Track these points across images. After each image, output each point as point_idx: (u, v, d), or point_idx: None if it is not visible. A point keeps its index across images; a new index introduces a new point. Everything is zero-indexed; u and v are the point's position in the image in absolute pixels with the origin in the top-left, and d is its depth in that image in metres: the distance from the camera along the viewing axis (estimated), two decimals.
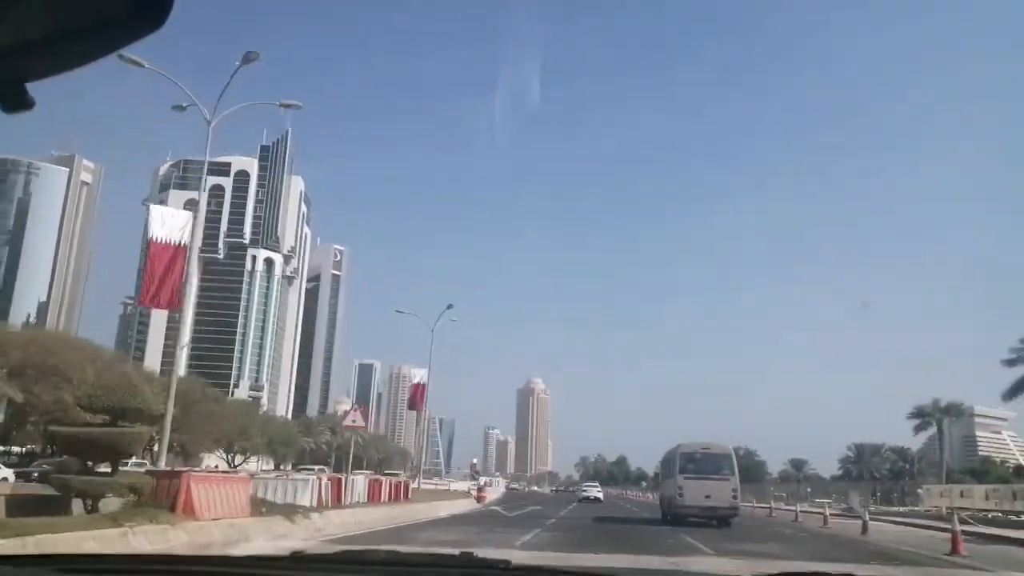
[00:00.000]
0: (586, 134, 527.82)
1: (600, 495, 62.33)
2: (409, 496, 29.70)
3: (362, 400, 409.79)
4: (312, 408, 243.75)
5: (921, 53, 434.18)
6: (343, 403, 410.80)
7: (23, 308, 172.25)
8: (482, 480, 73.78)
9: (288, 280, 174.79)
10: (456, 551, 2.88)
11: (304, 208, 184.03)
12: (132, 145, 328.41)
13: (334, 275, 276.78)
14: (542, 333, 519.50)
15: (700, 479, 26.41)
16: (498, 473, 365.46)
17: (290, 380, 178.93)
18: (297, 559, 2.85)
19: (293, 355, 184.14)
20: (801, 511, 37.73)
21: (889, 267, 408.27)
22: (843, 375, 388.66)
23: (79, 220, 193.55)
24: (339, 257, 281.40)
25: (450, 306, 47.90)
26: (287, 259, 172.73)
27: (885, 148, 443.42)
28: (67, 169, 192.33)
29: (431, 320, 49.82)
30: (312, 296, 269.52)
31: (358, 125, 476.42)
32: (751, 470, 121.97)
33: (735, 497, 26.59)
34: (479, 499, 40.65)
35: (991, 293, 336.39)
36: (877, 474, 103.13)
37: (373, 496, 24.99)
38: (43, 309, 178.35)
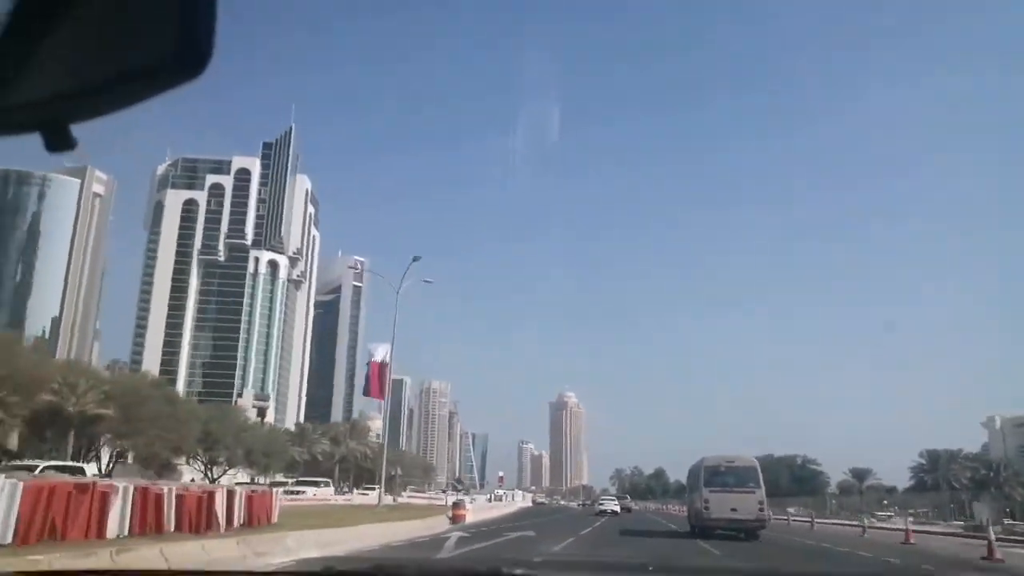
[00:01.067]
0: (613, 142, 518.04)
1: (617, 508, 62.31)
2: (272, 518, 17.76)
3: (394, 417, 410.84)
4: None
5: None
6: (375, 419, 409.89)
7: (37, 323, 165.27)
8: (466, 495, 64.06)
9: (295, 284, 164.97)
10: (484, 567, 2.89)
11: (312, 209, 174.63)
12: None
13: (355, 287, 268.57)
14: (575, 345, 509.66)
15: (725, 492, 26.48)
16: (533, 487, 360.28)
17: (300, 390, 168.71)
18: (329, 573, 2.89)
19: (303, 363, 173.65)
20: (871, 526, 36.93)
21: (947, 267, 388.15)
22: (902, 380, 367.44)
23: (92, 233, 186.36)
24: (360, 268, 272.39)
25: (416, 258, 36.63)
26: (293, 262, 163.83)
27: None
28: (79, 181, 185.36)
29: (402, 282, 38.46)
30: (332, 308, 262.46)
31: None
32: (808, 481, 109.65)
33: (762, 509, 26.50)
34: (455, 518, 28.96)
35: None
36: (956, 484, 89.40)
37: (143, 521, 12.98)
38: (56, 325, 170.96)
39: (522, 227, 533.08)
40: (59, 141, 1.28)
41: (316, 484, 66.05)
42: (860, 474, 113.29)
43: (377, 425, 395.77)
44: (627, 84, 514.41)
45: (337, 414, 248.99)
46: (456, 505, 30.08)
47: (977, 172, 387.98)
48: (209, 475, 72.98)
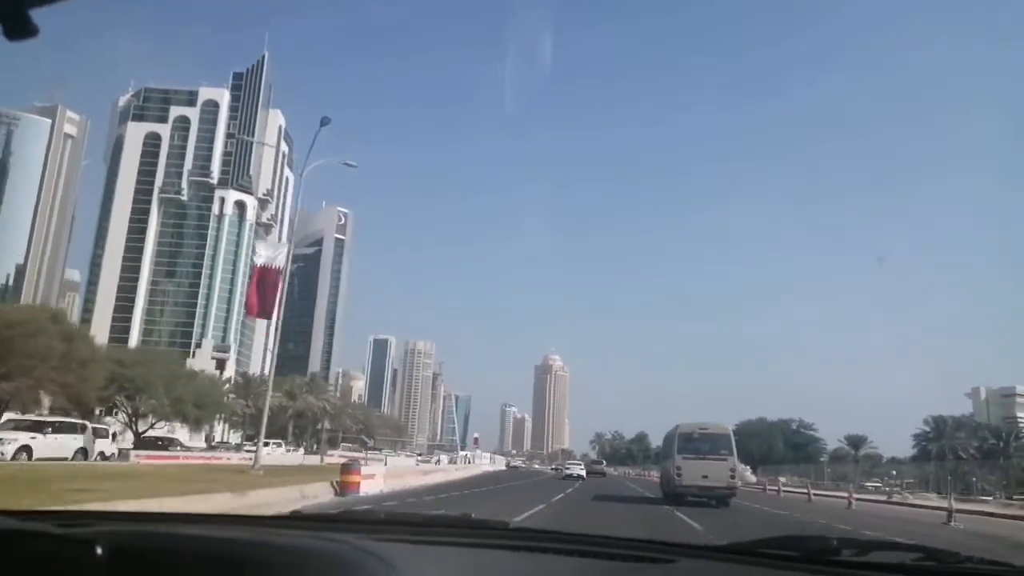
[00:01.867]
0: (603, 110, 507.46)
1: (583, 472, 63.13)
2: None
3: (378, 377, 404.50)
4: None
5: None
6: (358, 379, 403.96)
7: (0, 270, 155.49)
8: (444, 456, 56.83)
9: (265, 228, 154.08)
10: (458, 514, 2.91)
11: (285, 148, 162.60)
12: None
13: (337, 239, 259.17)
14: (563, 307, 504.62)
15: (698, 459, 26.40)
16: (514, 451, 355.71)
17: (266, 342, 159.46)
18: (299, 517, 2.85)
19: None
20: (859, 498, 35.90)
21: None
22: (896, 347, 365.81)
23: (62, 176, 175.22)
24: (343, 220, 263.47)
25: (326, 121, 27.33)
26: (263, 204, 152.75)
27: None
28: (50, 120, 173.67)
29: (311, 149, 29.56)
30: (314, 262, 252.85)
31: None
32: (803, 447, 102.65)
33: (733, 477, 26.63)
34: (344, 487, 20.44)
35: None
36: (963, 454, 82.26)
37: None
38: (21, 272, 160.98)
39: (507, 183, 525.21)
40: (18, 27, 1.20)
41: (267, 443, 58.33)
42: (855, 441, 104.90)
43: (360, 385, 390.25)
44: (615, 39, 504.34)
45: (314, 370, 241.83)
46: (347, 468, 21.43)
47: (973, 150, 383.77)
48: (133, 428, 64.93)
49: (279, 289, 27.23)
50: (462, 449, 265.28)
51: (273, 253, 27.79)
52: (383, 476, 25.33)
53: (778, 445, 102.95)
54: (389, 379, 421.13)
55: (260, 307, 27.11)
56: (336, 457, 61.91)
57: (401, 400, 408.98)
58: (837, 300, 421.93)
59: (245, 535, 2.05)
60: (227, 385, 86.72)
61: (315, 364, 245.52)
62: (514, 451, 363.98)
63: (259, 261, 27.07)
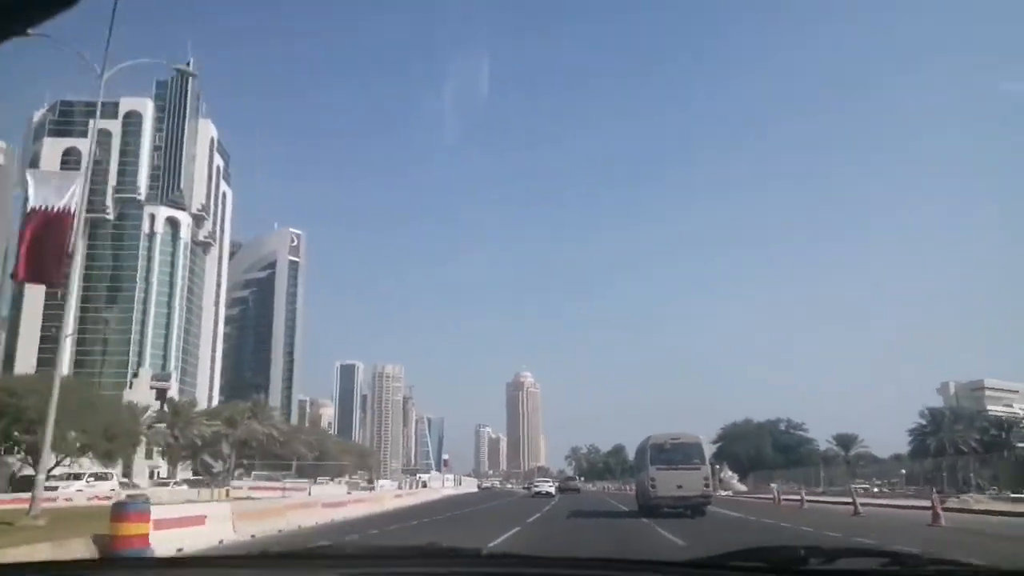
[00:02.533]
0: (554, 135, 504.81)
1: (552, 489, 62.55)
2: None
3: (347, 403, 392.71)
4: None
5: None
6: (327, 407, 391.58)
7: None
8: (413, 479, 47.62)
9: (203, 247, 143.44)
10: (424, 542, 2.85)
11: (220, 161, 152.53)
12: None
13: (291, 261, 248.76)
14: (532, 324, 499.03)
15: (671, 470, 26.34)
16: (491, 471, 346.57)
17: (212, 368, 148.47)
18: (266, 556, 2.85)
19: (215, 338, 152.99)
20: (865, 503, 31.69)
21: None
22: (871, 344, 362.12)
23: None
24: (296, 242, 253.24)
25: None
26: (198, 220, 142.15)
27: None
28: None
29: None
30: (267, 285, 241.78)
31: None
32: (794, 449, 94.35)
33: (707, 485, 26.81)
34: (115, 543, 11.51)
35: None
36: (964, 447, 75.55)
37: None
38: None
39: (471, 201, 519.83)
40: None
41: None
42: (845, 441, 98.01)
43: (329, 412, 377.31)
44: (568, 49, 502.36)
45: (275, 401, 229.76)
46: (119, 512, 12.22)
47: (936, 150, 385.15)
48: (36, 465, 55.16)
49: (68, 241, 17.99)
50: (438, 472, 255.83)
51: (54, 190, 18.23)
52: (232, 517, 16.35)
53: (767, 448, 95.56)
54: (359, 405, 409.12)
55: (34, 269, 17.97)
56: (245, 490, 52.34)
57: (372, 425, 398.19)
58: (810, 299, 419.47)
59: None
60: (149, 414, 76.42)
61: (275, 391, 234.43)
62: (490, 471, 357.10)
63: (33, 203, 17.82)
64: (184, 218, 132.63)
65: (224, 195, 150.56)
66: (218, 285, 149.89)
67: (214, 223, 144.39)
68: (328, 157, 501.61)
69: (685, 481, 25.74)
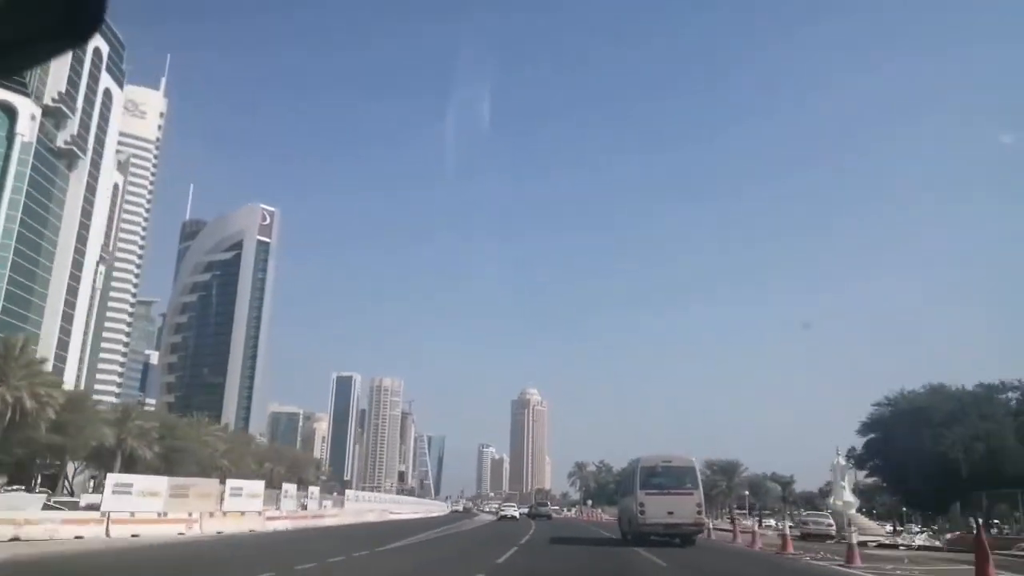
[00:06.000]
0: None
1: (516, 514, 62.89)
2: None
3: (342, 416, 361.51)
4: (228, 414, 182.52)
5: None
6: (322, 420, 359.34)
7: None
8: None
9: (63, 156, 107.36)
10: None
11: (105, 47, 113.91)
12: None
13: (260, 241, 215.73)
14: (539, 344, 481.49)
15: (662, 495, 24.88)
16: (492, 493, 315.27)
17: (86, 326, 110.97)
18: None
19: (80, 293, 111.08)
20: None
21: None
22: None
23: None
24: (268, 220, 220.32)
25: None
26: (53, 115, 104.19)
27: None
28: None
29: None
30: (232, 269, 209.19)
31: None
32: None
33: (700, 512, 25.32)
34: None
35: None
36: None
37: None
38: None
39: (478, 222, 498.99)
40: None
41: None
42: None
43: (324, 427, 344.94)
44: (574, 79, 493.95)
45: (231, 403, 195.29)
46: None
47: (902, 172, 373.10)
48: None
49: None
50: (436, 494, 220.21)
51: None
52: None
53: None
54: (356, 419, 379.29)
55: None
56: None
57: (368, 441, 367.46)
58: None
59: None
60: None
61: (232, 393, 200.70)
62: (492, 493, 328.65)
63: None
64: (26, 106, 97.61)
65: (109, 94, 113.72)
66: (87, 219, 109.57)
67: (87, 128, 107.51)
68: (335, 167, 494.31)
69: (677, 507, 24.26)
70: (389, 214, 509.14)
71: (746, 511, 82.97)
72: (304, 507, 37.65)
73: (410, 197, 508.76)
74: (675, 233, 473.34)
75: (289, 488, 41.89)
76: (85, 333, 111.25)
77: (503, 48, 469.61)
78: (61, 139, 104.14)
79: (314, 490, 40.61)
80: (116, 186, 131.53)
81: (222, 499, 24.26)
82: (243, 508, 24.87)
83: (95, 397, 79.75)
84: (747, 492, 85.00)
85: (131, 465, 60.43)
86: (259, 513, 25.96)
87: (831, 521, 34.93)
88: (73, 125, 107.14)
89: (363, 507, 46.68)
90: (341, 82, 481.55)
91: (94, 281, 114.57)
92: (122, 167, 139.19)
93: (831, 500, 45.34)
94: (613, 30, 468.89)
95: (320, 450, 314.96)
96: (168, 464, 62.74)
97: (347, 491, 48.17)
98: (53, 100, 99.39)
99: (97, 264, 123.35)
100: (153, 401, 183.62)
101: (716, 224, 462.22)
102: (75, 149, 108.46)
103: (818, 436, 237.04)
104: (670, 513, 24.15)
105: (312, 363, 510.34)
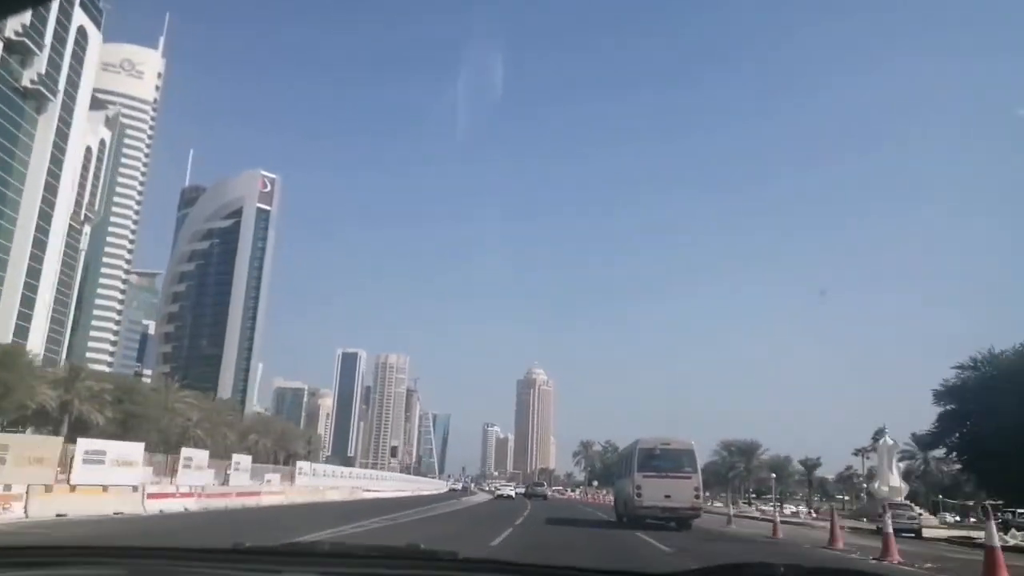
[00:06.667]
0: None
1: (512, 494, 64.88)
2: None
3: (347, 393, 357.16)
4: (225, 387, 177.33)
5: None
6: (326, 396, 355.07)
7: None
8: None
9: (34, 102, 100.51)
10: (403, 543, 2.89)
11: None
12: None
13: (260, 209, 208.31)
14: (547, 324, 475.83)
15: (660, 477, 24.65)
16: (496, 472, 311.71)
17: (80, 293, 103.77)
18: (241, 551, 2.76)
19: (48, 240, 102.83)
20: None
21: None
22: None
23: None
24: (269, 188, 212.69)
25: None
26: (16, 49, 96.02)
27: None
28: None
29: None
30: (230, 238, 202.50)
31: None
32: None
33: (697, 497, 24.93)
34: None
35: None
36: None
37: None
38: None
39: (483, 201, 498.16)
40: None
41: None
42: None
43: (328, 403, 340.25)
44: (585, 61, 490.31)
45: (227, 378, 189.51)
46: None
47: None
48: None
49: None
50: (440, 473, 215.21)
51: None
52: None
53: None
54: (360, 396, 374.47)
55: None
56: None
57: (372, 419, 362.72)
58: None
59: (182, 570, 2.13)
60: None
61: (229, 364, 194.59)
62: (496, 472, 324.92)
63: None
64: None
65: (84, 32, 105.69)
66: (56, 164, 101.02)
67: (59, 71, 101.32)
68: (346, 150, 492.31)
69: (675, 490, 24.06)
70: (396, 193, 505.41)
71: (770, 495, 76.37)
72: (226, 482, 30.95)
73: (420, 173, 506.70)
74: (685, 213, 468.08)
75: (242, 460, 35.32)
76: (68, 296, 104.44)
77: (511, 29, 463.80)
78: (27, 78, 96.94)
79: (244, 460, 33.63)
80: (103, 141, 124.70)
81: (71, 467, 17.54)
82: (107, 481, 18.12)
83: (91, 367, 73.29)
84: (773, 474, 77.99)
85: (80, 432, 53.99)
86: (135, 489, 19.14)
87: (914, 513, 28.41)
88: (40, 63, 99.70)
89: (323, 483, 40.04)
90: (346, 59, 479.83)
91: (70, 238, 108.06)
92: (111, 122, 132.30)
93: (876, 484, 37.26)
94: (618, 20, 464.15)
95: (324, 426, 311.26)
96: (125, 431, 56.28)
97: (300, 463, 41.47)
98: (16, 33, 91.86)
99: (82, 224, 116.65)
100: (150, 372, 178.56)
101: (719, 213, 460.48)
102: (43, 89, 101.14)
103: (835, 420, 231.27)
104: (667, 496, 23.88)
105: (318, 340, 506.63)
